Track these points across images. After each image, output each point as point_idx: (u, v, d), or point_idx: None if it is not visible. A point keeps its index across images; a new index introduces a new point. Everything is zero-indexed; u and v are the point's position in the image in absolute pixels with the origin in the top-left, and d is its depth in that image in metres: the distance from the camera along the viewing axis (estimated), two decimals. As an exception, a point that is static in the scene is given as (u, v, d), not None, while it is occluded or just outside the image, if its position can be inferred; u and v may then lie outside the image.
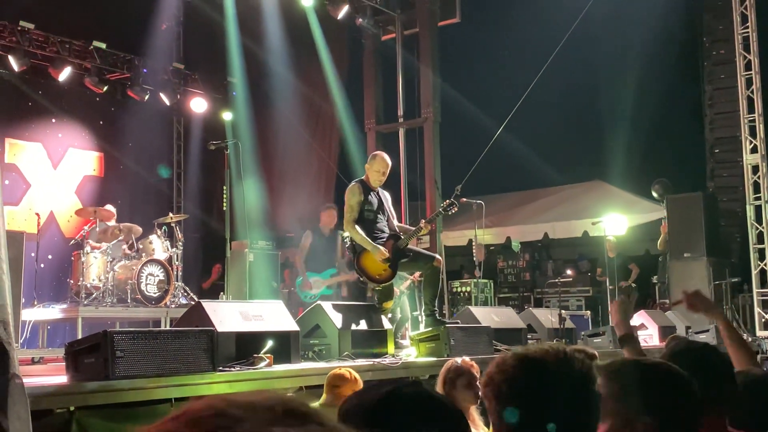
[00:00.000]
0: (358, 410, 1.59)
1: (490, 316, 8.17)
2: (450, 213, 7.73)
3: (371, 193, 7.39)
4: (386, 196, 7.62)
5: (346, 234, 7.57)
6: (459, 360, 4.61)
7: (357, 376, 4.67)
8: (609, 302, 11.84)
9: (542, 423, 1.77)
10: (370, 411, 1.57)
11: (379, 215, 7.40)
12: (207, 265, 13.70)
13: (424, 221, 7.54)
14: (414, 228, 7.60)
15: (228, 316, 5.61)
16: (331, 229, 10.35)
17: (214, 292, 11.93)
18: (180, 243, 10.89)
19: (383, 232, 7.39)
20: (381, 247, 7.18)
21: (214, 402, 0.92)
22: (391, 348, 6.97)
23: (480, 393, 1.93)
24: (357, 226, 7.24)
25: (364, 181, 7.42)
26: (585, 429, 1.84)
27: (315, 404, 5.01)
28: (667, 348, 2.95)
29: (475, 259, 11.77)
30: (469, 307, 8.89)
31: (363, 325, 6.87)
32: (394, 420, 1.55)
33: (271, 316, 6.00)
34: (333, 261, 10.40)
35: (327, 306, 6.80)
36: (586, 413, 1.83)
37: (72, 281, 10.12)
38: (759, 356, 10.69)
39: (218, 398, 0.93)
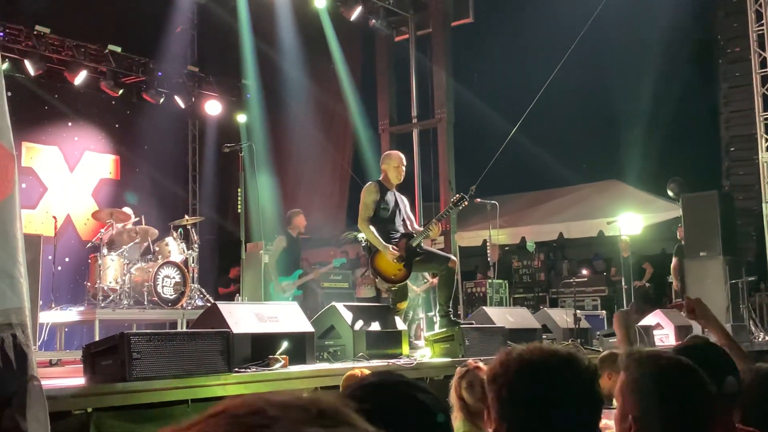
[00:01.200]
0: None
1: (504, 316, 8.16)
2: (461, 207, 7.71)
3: (388, 193, 7.40)
4: (404, 201, 7.62)
5: (361, 235, 7.57)
6: (471, 362, 4.61)
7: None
8: (624, 302, 11.81)
9: (546, 427, 1.79)
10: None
11: (395, 215, 7.39)
12: (223, 266, 13.76)
13: (434, 219, 7.52)
14: (425, 226, 7.58)
15: (243, 317, 5.64)
16: (300, 232, 10.70)
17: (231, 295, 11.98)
18: (196, 245, 10.94)
19: (398, 232, 7.38)
20: (391, 247, 7.18)
21: (252, 400, 0.94)
22: (405, 349, 6.98)
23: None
24: (371, 226, 7.24)
25: (381, 182, 7.44)
26: (589, 428, 1.85)
27: None
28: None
29: (489, 259, 11.75)
30: (484, 307, 8.88)
31: (377, 326, 6.88)
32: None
33: (286, 317, 6.02)
34: (299, 263, 10.99)
35: (341, 307, 6.81)
36: (591, 414, 1.84)
37: (89, 284, 10.17)
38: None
39: (256, 397, 0.95)
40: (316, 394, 0.99)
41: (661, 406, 2.15)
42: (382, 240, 7.17)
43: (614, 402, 2.34)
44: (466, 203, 7.64)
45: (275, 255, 10.63)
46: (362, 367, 5.11)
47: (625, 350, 3.33)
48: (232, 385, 5.02)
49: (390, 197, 7.39)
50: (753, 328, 11.73)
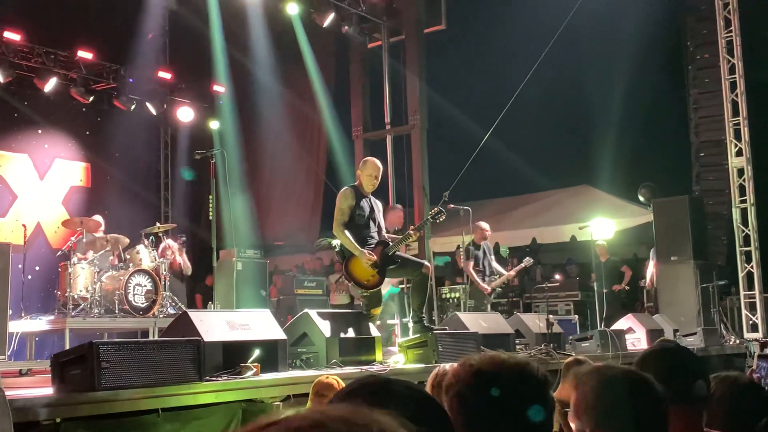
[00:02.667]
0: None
1: (478, 321, 8.18)
2: (438, 221, 7.74)
3: (363, 199, 7.39)
4: (378, 206, 7.62)
5: (335, 241, 7.55)
6: (447, 366, 4.61)
7: (344, 384, 4.66)
8: (597, 306, 11.89)
9: None
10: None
11: (370, 221, 7.39)
12: (195, 274, 13.65)
13: (412, 228, 7.53)
14: (402, 235, 7.60)
15: (215, 325, 5.60)
16: (398, 229, 10.41)
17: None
18: (168, 252, 10.86)
19: (373, 238, 7.38)
20: (366, 252, 7.18)
21: (313, 415, 0.93)
22: (379, 355, 6.97)
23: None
24: (346, 231, 7.24)
25: (357, 187, 7.43)
26: None
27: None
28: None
29: (462, 265, 11.78)
30: (457, 313, 8.90)
31: (351, 332, 6.87)
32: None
33: (258, 324, 5.99)
34: None
35: (314, 314, 6.79)
36: (542, 421, 1.85)
37: (59, 292, 10.07)
38: (746, 361, 10.75)
39: (316, 411, 0.94)
40: (373, 413, 0.98)
41: (613, 419, 2.17)
42: (357, 245, 7.17)
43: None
44: (443, 217, 7.67)
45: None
46: (335, 375, 5.09)
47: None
48: (203, 394, 4.99)
49: (365, 203, 7.39)
50: (724, 332, 11.85)
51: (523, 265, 11.75)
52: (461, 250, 11.40)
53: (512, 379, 1.85)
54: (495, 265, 11.61)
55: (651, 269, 13.01)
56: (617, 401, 2.18)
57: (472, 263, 11.34)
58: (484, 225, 11.64)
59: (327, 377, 4.79)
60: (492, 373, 1.86)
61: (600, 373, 2.28)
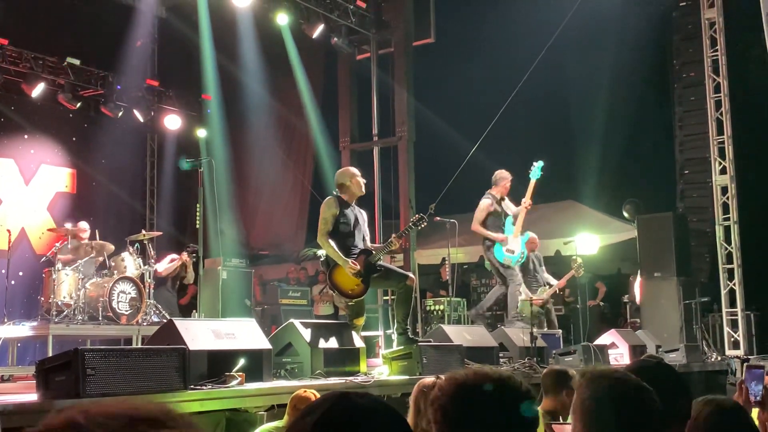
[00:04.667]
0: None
1: (462, 334, 8.21)
2: (420, 227, 7.77)
3: (348, 208, 7.42)
4: (364, 216, 7.65)
5: (320, 251, 7.58)
6: (430, 379, 4.64)
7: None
8: (581, 321, 11.95)
9: None
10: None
11: (355, 230, 7.41)
12: (180, 282, 13.64)
13: (394, 236, 7.54)
14: (385, 243, 7.60)
15: (200, 334, 5.61)
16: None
17: (189, 310, 11.89)
18: (152, 260, 10.85)
19: (357, 247, 7.40)
20: (350, 261, 7.19)
21: (72, 414, 0.94)
22: (363, 366, 6.99)
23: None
24: (330, 240, 7.26)
25: (341, 197, 7.46)
26: None
27: (278, 424, 5.00)
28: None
29: (448, 278, 11.81)
30: (442, 325, 8.93)
31: (335, 343, 6.88)
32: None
33: (243, 334, 6.00)
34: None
35: (299, 324, 6.81)
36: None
37: (43, 298, 10.04)
38: (727, 378, 10.82)
39: (76, 410, 0.95)
40: (141, 402, 0.98)
41: (612, 425, 2.20)
42: (342, 254, 7.19)
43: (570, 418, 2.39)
44: (425, 224, 7.70)
45: (483, 215, 10.18)
46: (314, 386, 5.11)
47: (580, 370, 3.39)
48: (188, 403, 4.99)
49: (350, 212, 7.40)
50: (706, 349, 11.93)
51: (572, 273, 11.69)
52: (447, 263, 11.44)
53: (494, 392, 1.88)
54: (545, 275, 11.56)
55: (638, 287, 13.01)
56: (620, 407, 2.20)
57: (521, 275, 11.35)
58: (534, 236, 11.65)
59: (305, 391, 4.78)
60: (474, 386, 1.89)
61: (603, 378, 2.30)
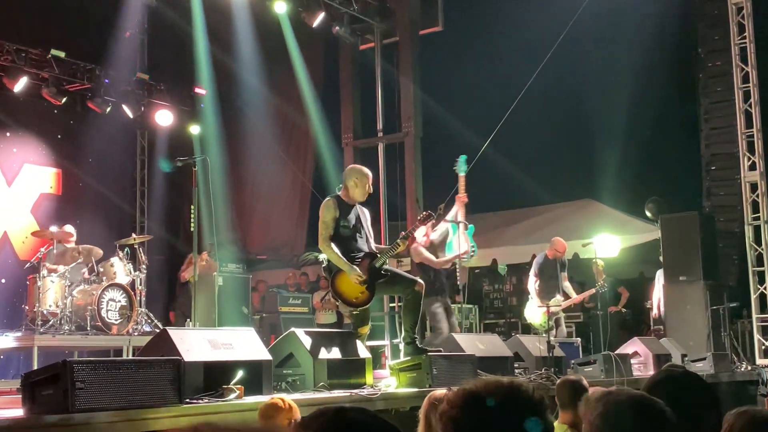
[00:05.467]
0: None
1: (474, 343, 8.20)
2: (427, 225, 7.73)
3: (349, 209, 7.40)
4: (366, 215, 7.62)
5: (322, 255, 7.57)
6: (441, 391, 4.64)
7: (292, 404, 4.62)
8: (600, 329, 11.93)
9: None
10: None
11: (356, 233, 7.39)
12: (172, 289, 13.69)
13: (401, 236, 7.52)
14: (390, 245, 7.57)
15: (195, 344, 5.62)
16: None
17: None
18: (143, 266, 10.88)
19: (360, 251, 7.37)
20: (356, 268, 7.18)
21: (201, 428, 0.97)
22: (369, 378, 6.98)
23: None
24: (332, 244, 7.24)
25: (340, 197, 7.43)
26: None
27: None
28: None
29: (459, 282, 11.80)
30: (453, 334, 8.92)
31: (339, 353, 6.88)
32: None
33: (241, 344, 6.00)
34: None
35: (301, 333, 6.80)
36: None
37: (27, 307, 10.07)
38: (758, 388, 10.79)
39: (204, 425, 0.98)
40: (270, 425, 1.01)
41: None
42: (345, 260, 7.17)
43: None
44: (434, 221, 7.67)
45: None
46: (319, 399, 5.11)
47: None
48: (183, 417, 5.00)
49: (351, 214, 7.37)
50: (735, 358, 11.90)
51: (593, 290, 11.69)
52: (458, 268, 11.42)
53: (504, 401, 1.90)
54: (566, 284, 11.55)
55: (658, 293, 12.97)
56: (625, 428, 2.22)
57: (537, 280, 11.35)
58: (563, 243, 11.65)
59: (272, 398, 4.76)
60: (483, 395, 1.91)
61: (609, 398, 2.32)
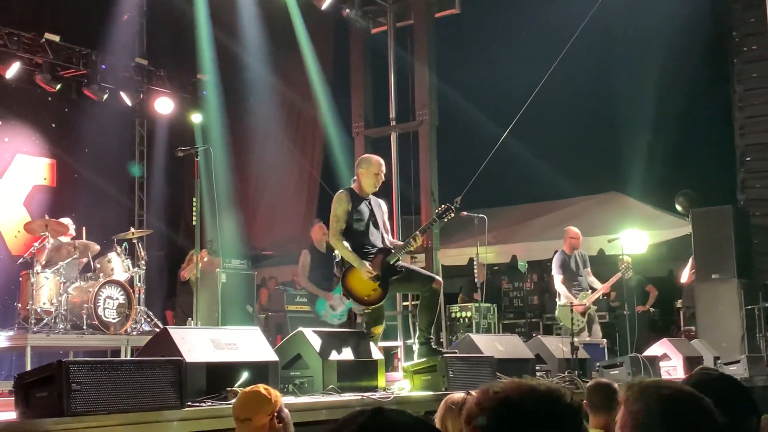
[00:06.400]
0: None
1: (493, 344, 8.19)
2: (446, 220, 7.70)
3: (362, 202, 7.40)
4: (382, 208, 7.63)
5: (334, 252, 7.59)
6: (459, 395, 4.63)
7: (277, 394, 4.20)
8: (627, 329, 11.90)
9: None
10: None
11: (371, 227, 7.39)
12: (173, 286, 13.71)
13: (417, 231, 7.51)
14: (405, 241, 7.57)
15: (198, 344, 5.62)
16: (327, 243, 10.55)
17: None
18: (142, 262, 10.89)
19: (374, 246, 7.37)
20: (366, 263, 7.18)
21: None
22: (381, 381, 6.99)
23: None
24: (343, 239, 7.24)
25: (353, 189, 7.44)
26: None
27: None
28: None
29: (476, 280, 11.79)
30: (470, 334, 8.91)
31: (350, 354, 6.88)
32: None
33: (246, 344, 6.01)
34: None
35: (309, 333, 6.80)
36: None
37: (20, 305, 10.10)
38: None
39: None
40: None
41: None
42: (356, 256, 7.17)
43: None
44: (452, 215, 7.65)
45: (305, 270, 10.56)
46: (328, 402, 5.09)
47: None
48: (185, 422, 5.00)
49: (364, 207, 7.39)
50: (770, 360, 11.85)
51: (618, 276, 11.63)
52: (476, 264, 11.40)
53: (543, 409, 1.86)
54: (590, 278, 11.54)
55: (688, 269, 12.93)
56: (675, 420, 2.18)
57: (561, 276, 11.32)
58: (574, 230, 11.58)
59: (254, 387, 4.46)
60: (520, 402, 1.87)
61: (654, 389, 2.28)
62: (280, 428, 4.02)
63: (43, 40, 13.18)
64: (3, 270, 12.60)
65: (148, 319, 10.64)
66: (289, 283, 15.26)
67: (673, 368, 9.93)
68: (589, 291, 11.37)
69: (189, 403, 5.16)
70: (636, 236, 13.78)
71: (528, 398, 1.88)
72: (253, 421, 3.99)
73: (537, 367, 8.58)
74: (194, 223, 8.64)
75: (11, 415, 4.76)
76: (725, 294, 12.14)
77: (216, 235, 12.30)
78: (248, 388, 4.26)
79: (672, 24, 15.58)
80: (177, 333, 5.64)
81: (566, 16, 13.33)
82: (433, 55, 14.45)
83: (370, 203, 7.48)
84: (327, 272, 10.45)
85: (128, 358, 8.85)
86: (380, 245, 7.40)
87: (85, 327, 9.76)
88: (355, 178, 7.51)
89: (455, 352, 7.63)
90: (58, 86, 13.55)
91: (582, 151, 18.00)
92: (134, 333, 10.13)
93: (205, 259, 11.53)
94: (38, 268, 9.93)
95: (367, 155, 7.87)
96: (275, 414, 4.02)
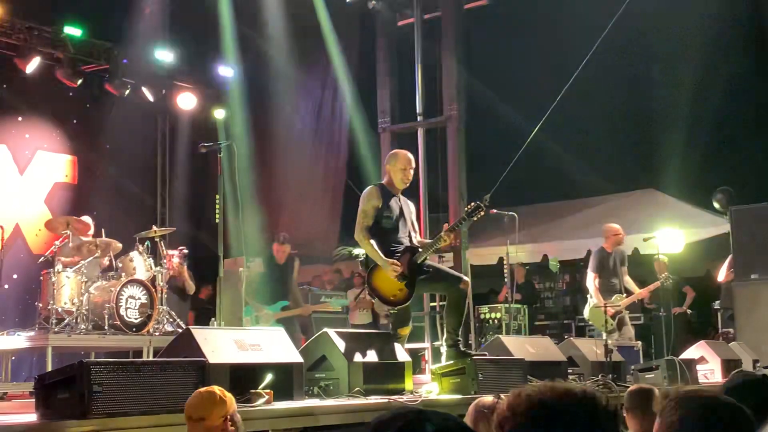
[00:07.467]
0: None
1: (524, 347, 8.18)
2: (475, 218, 7.65)
3: (392, 199, 7.40)
4: (410, 207, 7.64)
5: (358, 249, 7.60)
6: (489, 398, 4.63)
7: (231, 397, 4.26)
8: (663, 331, 11.83)
9: None
10: None
11: (399, 225, 7.39)
12: (196, 286, 13.77)
13: (446, 228, 7.48)
14: (433, 239, 7.55)
15: (221, 345, 5.65)
16: (287, 257, 10.92)
17: (206, 316, 11.98)
18: (165, 261, 10.95)
19: (401, 244, 7.36)
20: (392, 261, 7.17)
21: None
22: (408, 383, 6.99)
23: None
24: (370, 237, 7.23)
25: (384, 185, 7.44)
26: None
27: None
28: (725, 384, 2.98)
29: (507, 279, 11.76)
30: (500, 336, 8.90)
31: (376, 356, 6.89)
32: None
33: (270, 345, 6.04)
34: (286, 293, 10.97)
35: (334, 335, 6.82)
36: None
37: (41, 305, 10.16)
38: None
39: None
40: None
41: None
42: (382, 254, 7.17)
43: None
44: (482, 213, 7.61)
45: (251, 279, 10.81)
46: (353, 405, 5.10)
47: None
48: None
49: (394, 204, 7.39)
50: (814, 366, 11.74)
51: (657, 284, 11.53)
52: (506, 264, 11.36)
53: (579, 412, 1.85)
54: (626, 278, 11.44)
55: (725, 267, 12.81)
56: (714, 430, 2.17)
57: (596, 275, 11.26)
58: (615, 227, 11.48)
59: (208, 388, 4.50)
60: (556, 406, 1.86)
61: (692, 398, 2.27)
62: (232, 431, 4.10)
63: (64, 34, 13.26)
64: (24, 269, 12.68)
65: (171, 319, 10.68)
66: (314, 283, 15.31)
67: (710, 371, 9.87)
68: (624, 294, 11.28)
69: (212, 405, 5.18)
70: (672, 235, 13.69)
71: (564, 401, 1.87)
72: (206, 421, 4.07)
73: (569, 371, 8.55)
74: (217, 220, 8.67)
75: (32, 417, 4.81)
76: (765, 295, 12.04)
77: (239, 233, 12.33)
78: (203, 389, 4.33)
79: (710, 13, 15.46)
80: (200, 333, 5.68)
81: (600, 8, 13.26)
82: (462, 48, 14.39)
83: (400, 200, 7.48)
84: (279, 287, 10.90)
85: (151, 359, 8.90)
86: (407, 244, 7.39)
87: (106, 327, 9.80)
88: (385, 174, 7.52)
89: (485, 355, 7.62)
90: (79, 81, 13.63)
91: (616, 147, 17.92)
92: (157, 333, 10.16)
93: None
94: (59, 267, 9.99)
95: (395, 150, 7.89)
96: (228, 416, 4.08)
